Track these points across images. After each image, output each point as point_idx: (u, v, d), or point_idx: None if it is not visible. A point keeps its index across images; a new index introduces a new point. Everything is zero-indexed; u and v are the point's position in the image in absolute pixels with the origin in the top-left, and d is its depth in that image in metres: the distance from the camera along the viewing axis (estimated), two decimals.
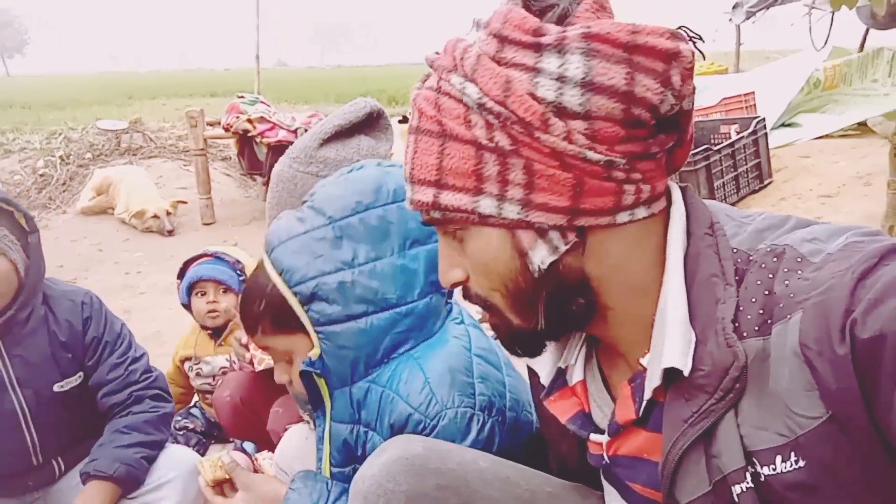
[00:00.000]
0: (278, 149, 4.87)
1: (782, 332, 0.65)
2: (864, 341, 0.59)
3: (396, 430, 1.12)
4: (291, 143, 5.32)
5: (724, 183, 4.18)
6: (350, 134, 1.58)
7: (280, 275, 1.11)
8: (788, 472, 0.65)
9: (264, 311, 1.16)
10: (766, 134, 4.52)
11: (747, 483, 0.67)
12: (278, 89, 12.51)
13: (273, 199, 1.59)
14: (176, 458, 1.75)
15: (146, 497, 1.68)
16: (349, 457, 1.22)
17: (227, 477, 1.23)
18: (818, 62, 5.94)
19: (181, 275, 2.35)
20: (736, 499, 0.68)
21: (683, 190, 0.81)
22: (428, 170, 0.75)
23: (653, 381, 0.75)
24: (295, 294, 1.10)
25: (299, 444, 1.55)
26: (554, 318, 0.78)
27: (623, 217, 0.73)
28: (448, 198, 0.74)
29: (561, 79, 0.67)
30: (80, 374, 1.66)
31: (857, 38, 6.89)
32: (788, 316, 0.65)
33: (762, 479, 0.67)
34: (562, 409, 0.90)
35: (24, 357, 1.57)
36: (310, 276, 1.10)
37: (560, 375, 0.92)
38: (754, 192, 4.45)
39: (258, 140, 4.94)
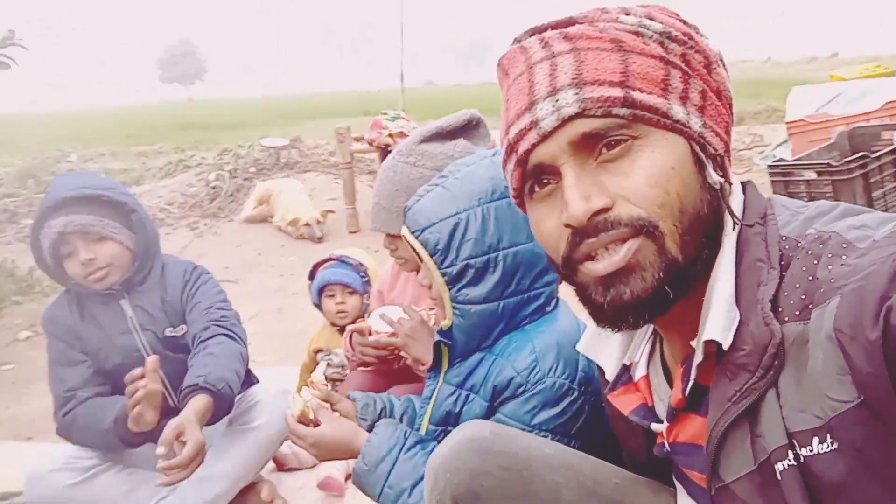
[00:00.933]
0: None
1: (820, 317, 0.65)
2: None
3: (498, 391, 1.24)
4: None
5: (884, 193, 3.86)
6: (450, 136, 1.73)
7: (431, 256, 1.23)
8: (824, 453, 0.65)
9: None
10: None
11: (789, 461, 0.68)
12: (425, 107, 13.01)
13: (377, 188, 1.78)
14: (263, 385, 2.13)
15: (243, 418, 2.01)
16: (447, 418, 1.32)
17: (312, 416, 1.36)
18: None
19: (311, 277, 2.58)
20: (779, 476, 0.69)
21: (744, 184, 0.83)
22: (610, 72, 0.73)
23: (697, 357, 0.76)
24: (443, 274, 1.22)
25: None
26: (704, 253, 0.76)
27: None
28: (641, 96, 0.73)
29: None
30: (184, 325, 2.00)
31: None
32: (828, 301, 0.64)
33: (801, 460, 0.67)
34: (624, 403, 0.93)
35: (142, 307, 1.97)
36: (459, 259, 1.22)
37: (624, 372, 0.94)
38: None
39: None
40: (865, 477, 0.63)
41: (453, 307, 1.25)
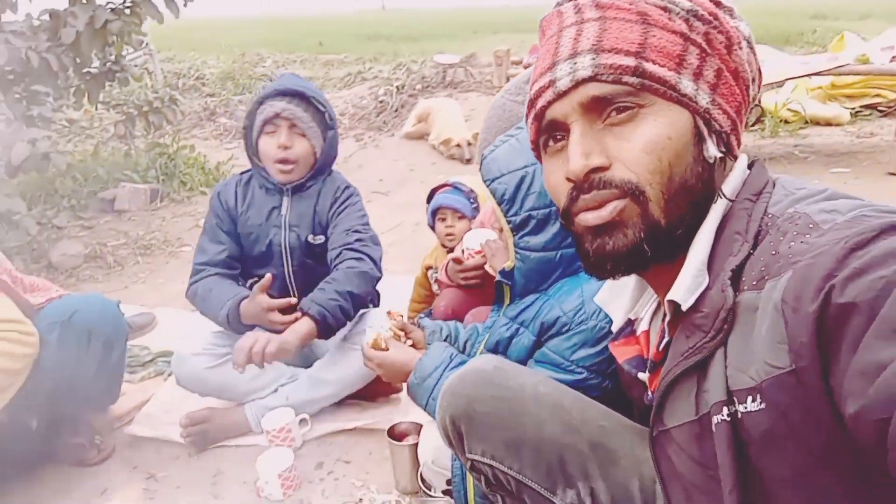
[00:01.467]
0: None
1: (772, 288, 0.69)
2: (836, 306, 0.61)
3: (545, 328, 1.39)
4: None
5: None
6: None
7: (499, 204, 1.36)
8: (754, 411, 0.71)
9: None
10: None
11: (723, 416, 0.74)
12: None
13: (485, 124, 1.89)
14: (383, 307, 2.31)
15: (355, 338, 2.23)
16: (497, 346, 1.50)
17: (384, 345, 1.61)
18: None
19: (429, 199, 2.78)
20: (713, 429, 0.76)
21: (753, 161, 0.88)
22: (628, 42, 0.78)
23: (667, 315, 0.85)
24: (508, 222, 1.36)
25: None
26: (689, 223, 0.82)
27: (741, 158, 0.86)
28: (652, 68, 0.78)
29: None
30: (323, 237, 2.24)
31: None
32: (781, 274, 0.69)
33: (739, 416, 0.73)
34: (623, 353, 1.01)
35: (297, 209, 2.22)
36: (523, 210, 1.35)
37: (629, 325, 1.02)
38: None
39: None
40: (786, 436, 0.69)
41: (516, 252, 1.38)
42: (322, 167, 2.23)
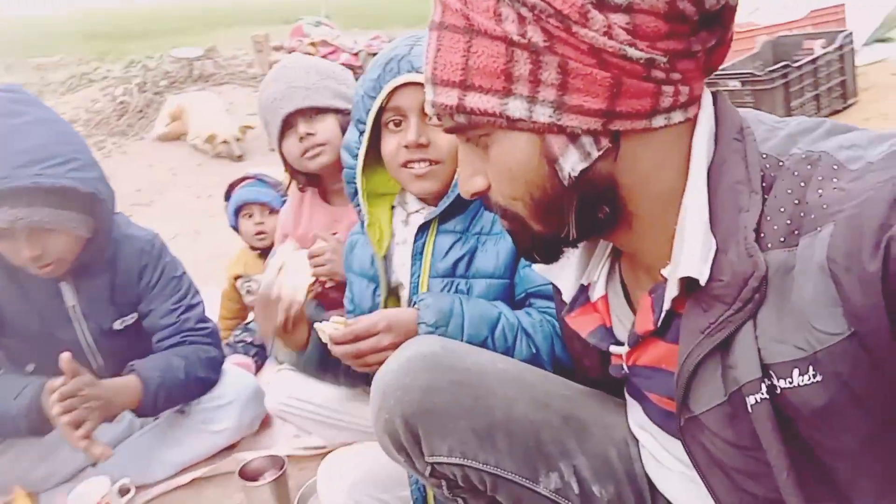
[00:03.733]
0: None
1: (810, 245, 0.62)
2: None
3: None
4: (352, 66, 5.33)
5: (802, 103, 3.91)
6: None
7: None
8: (805, 385, 0.63)
9: None
10: (852, 49, 4.17)
11: (762, 394, 0.66)
12: (351, 15, 12.43)
13: (275, 79, 1.84)
14: (237, 384, 1.91)
15: (203, 415, 1.85)
16: (455, 267, 1.26)
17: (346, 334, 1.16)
18: None
19: (227, 197, 2.43)
20: (749, 409, 0.67)
21: (714, 95, 0.75)
22: (452, 69, 0.69)
23: (671, 291, 0.73)
24: None
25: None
26: (578, 226, 0.75)
27: (659, 121, 0.68)
28: (474, 100, 0.69)
29: None
30: (135, 314, 1.79)
31: None
32: (819, 228, 0.61)
33: (778, 391, 0.65)
34: (583, 324, 0.90)
35: (88, 294, 1.72)
36: None
37: (582, 292, 0.90)
38: (836, 112, 4.15)
39: None
40: (849, 407, 0.63)
41: None
42: (102, 239, 1.70)
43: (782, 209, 0.65)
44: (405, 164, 1.20)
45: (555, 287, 0.97)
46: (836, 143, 0.66)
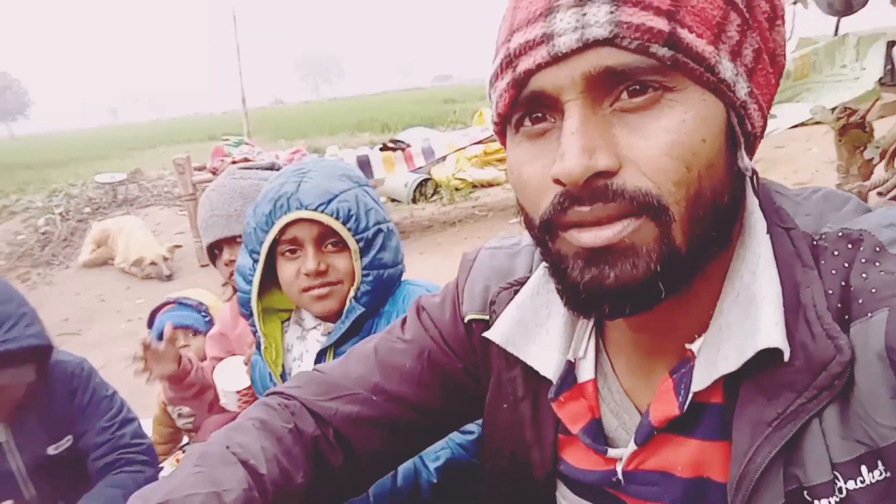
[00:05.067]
0: None
1: (863, 332, 0.56)
2: None
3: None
4: None
5: None
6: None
7: (344, 224, 1.24)
8: (874, 483, 0.56)
9: None
10: None
11: (835, 497, 0.57)
12: (274, 127, 12.75)
13: (204, 206, 1.86)
14: None
15: None
16: None
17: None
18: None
19: (150, 324, 2.46)
20: None
21: None
22: None
23: (716, 368, 0.61)
24: (358, 241, 1.25)
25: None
26: (711, 251, 0.60)
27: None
28: (689, 37, 0.54)
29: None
30: (70, 437, 1.78)
31: (830, 27, 6.99)
32: (869, 314, 0.55)
33: (845, 493, 0.57)
34: (572, 415, 0.72)
35: (21, 427, 1.69)
36: (371, 224, 1.26)
37: (569, 371, 0.73)
38: None
39: None
40: None
41: (365, 274, 1.27)
42: (41, 380, 1.69)
43: (831, 291, 0.58)
44: (306, 290, 1.27)
45: (521, 367, 0.77)
46: (875, 221, 0.59)
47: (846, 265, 0.58)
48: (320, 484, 0.79)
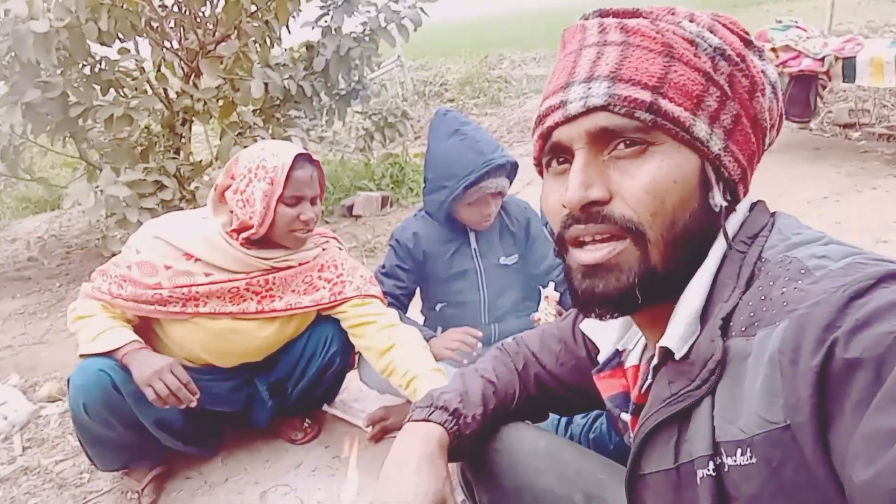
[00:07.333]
0: (801, 79, 4.63)
1: (766, 337, 0.66)
2: (840, 361, 0.58)
3: None
4: (815, 72, 4.91)
5: None
6: None
7: None
8: (744, 465, 0.67)
9: None
10: None
11: (709, 471, 0.71)
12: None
13: None
14: None
15: None
16: None
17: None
18: None
19: None
20: (698, 482, 0.72)
21: (754, 204, 0.85)
22: (648, 75, 0.74)
23: (654, 361, 0.81)
24: None
25: None
26: (686, 268, 0.78)
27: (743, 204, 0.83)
28: (668, 105, 0.74)
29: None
30: (516, 255, 2.40)
31: None
32: (776, 322, 0.66)
33: (726, 469, 0.69)
34: (607, 386, 0.96)
35: (484, 236, 2.38)
36: None
37: (616, 356, 0.97)
38: None
39: (781, 70, 4.72)
40: (776, 493, 0.65)
41: None
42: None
43: (751, 303, 0.71)
44: None
45: (592, 346, 1.08)
46: (811, 252, 0.70)
47: (771, 283, 0.70)
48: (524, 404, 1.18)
